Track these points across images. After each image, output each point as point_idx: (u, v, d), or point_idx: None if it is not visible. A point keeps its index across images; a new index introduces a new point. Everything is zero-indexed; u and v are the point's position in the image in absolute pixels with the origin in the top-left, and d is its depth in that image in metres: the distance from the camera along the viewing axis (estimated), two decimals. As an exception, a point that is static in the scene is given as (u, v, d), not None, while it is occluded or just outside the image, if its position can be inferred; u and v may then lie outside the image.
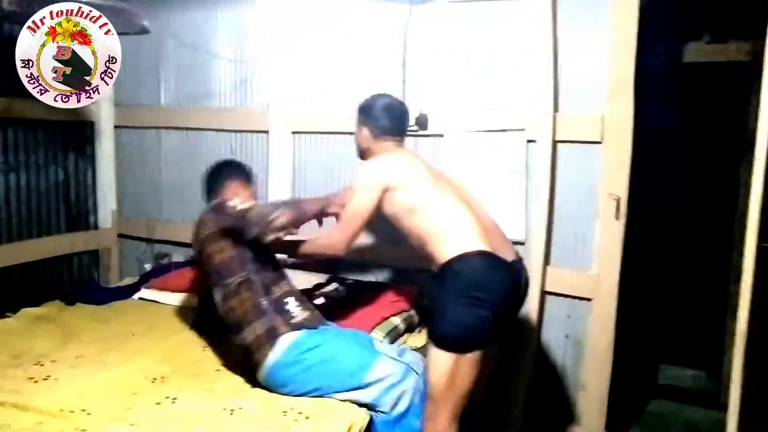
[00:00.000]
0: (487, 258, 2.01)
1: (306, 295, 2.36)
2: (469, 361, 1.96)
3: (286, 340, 2.04)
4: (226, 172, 2.51)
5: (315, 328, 2.13)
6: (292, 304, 2.16)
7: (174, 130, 3.47)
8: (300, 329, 2.08)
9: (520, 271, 2.20)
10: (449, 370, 1.95)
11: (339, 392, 2.02)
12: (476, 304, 1.95)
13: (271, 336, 2.04)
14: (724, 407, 2.03)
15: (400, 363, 2.09)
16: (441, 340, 1.98)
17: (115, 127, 3.59)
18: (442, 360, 1.96)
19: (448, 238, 2.04)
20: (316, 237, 2.28)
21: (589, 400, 2.68)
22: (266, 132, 3.16)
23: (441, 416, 1.98)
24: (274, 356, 2.02)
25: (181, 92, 3.43)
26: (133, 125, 3.57)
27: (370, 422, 2.01)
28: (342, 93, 3.00)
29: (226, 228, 2.17)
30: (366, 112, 2.34)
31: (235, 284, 2.11)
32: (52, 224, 3.33)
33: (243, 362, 2.18)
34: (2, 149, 3.02)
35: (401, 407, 2.02)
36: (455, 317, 1.96)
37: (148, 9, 2.64)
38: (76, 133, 3.45)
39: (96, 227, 3.59)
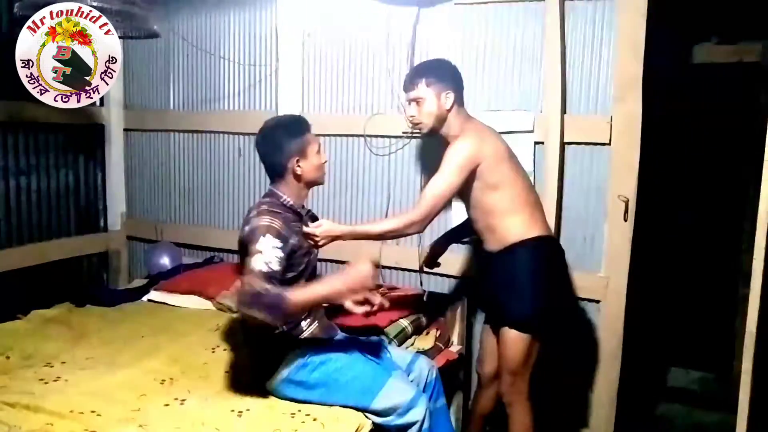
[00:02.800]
0: (555, 243, 2.26)
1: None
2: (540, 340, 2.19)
3: (296, 358, 2.01)
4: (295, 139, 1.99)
5: (324, 342, 2.09)
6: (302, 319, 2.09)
7: (183, 133, 3.49)
8: (309, 344, 2.04)
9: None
10: (526, 350, 2.15)
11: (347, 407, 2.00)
12: (550, 287, 2.15)
13: (282, 351, 2.02)
14: (734, 409, 2.02)
15: (411, 388, 2.01)
16: (523, 324, 2.13)
17: (125, 130, 3.61)
18: (521, 344, 2.15)
19: (522, 219, 2.14)
20: (393, 217, 2.44)
21: (597, 402, 2.67)
22: (274, 134, 3.16)
23: (520, 382, 2.21)
24: (282, 373, 2.00)
25: (190, 95, 3.44)
26: (142, 128, 3.60)
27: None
28: (350, 96, 3.02)
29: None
30: (453, 76, 2.16)
31: None
32: (62, 227, 3.35)
33: (252, 366, 2.18)
34: (13, 152, 3.05)
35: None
36: (536, 300, 2.12)
37: (158, 13, 2.65)
38: (86, 136, 3.47)
39: (105, 230, 3.61)
